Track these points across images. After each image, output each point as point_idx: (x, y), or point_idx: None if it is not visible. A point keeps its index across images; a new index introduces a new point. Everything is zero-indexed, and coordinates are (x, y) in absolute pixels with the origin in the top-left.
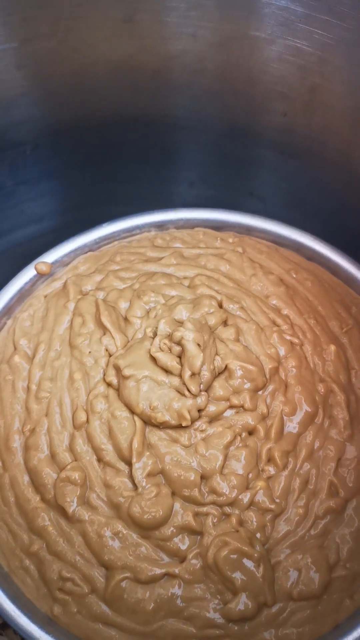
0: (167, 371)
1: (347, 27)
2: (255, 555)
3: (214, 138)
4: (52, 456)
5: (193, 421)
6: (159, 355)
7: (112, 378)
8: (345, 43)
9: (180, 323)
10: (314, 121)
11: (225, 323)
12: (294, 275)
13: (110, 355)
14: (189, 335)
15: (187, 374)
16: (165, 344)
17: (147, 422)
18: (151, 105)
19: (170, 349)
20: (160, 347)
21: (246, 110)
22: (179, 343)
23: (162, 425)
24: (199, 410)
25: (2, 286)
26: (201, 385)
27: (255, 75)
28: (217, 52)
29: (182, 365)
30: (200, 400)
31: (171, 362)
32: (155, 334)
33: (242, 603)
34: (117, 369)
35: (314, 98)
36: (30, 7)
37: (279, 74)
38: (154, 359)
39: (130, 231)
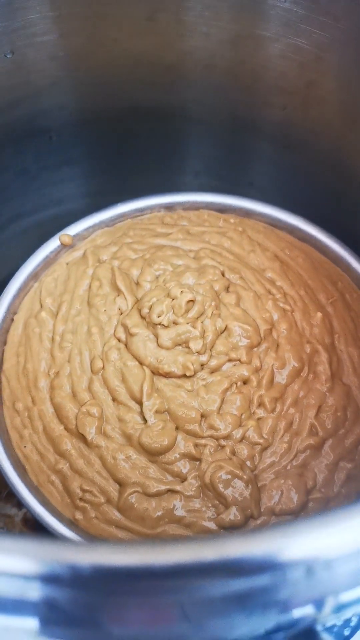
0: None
1: (341, 27)
2: (245, 477)
3: (219, 131)
4: (74, 394)
5: (196, 372)
6: (161, 332)
7: (121, 334)
8: (339, 42)
9: (188, 286)
10: (310, 115)
11: (227, 289)
12: (288, 253)
13: (122, 314)
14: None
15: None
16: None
17: (155, 372)
18: (163, 99)
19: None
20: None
21: (249, 104)
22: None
23: (168, 375)
24: (202, 365)
25: (24, 259)
26: (207, 344)
27: (259, 71)
28: (227, 49)
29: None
30: (204, 358)
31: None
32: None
33: (232, 514)
34: (125, 327)
35: (311, 93)
36: (65, 5)
37: (280, 69)
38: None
39: (142, 210)
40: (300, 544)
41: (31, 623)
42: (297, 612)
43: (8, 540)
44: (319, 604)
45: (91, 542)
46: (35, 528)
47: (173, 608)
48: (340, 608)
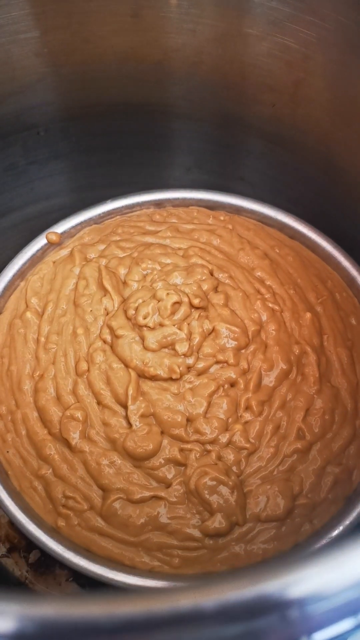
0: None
1: (327, 27)
2: (231, 483)
3: (208, 127)
4: (58, 398)
5: (182, 375)
6: (147, 334)
7: (107, 336)
8: (326, 41)
9: (175, 287)
10: (298, 112)
11: (215, 289)
12: (277, 251)
13: (108, 314)
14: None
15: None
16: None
17: (140, 375)
18: (152, 95)
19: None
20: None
21: (238, 101)
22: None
23: (153, 378)
24: (188, 367)
25: (13, 254)
26: (193, 347)
27: (247, 69)
28: (214, 47)
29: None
30: (190, 360)
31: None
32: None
33: (217, 521)
34: (111, 329)
35: (298, 91)
36: (48, 1)
37: (268, 67)
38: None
39: (131, 207)
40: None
41: None
42: None
43: None
44: None
45: (41, 596)
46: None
47: None
48: None
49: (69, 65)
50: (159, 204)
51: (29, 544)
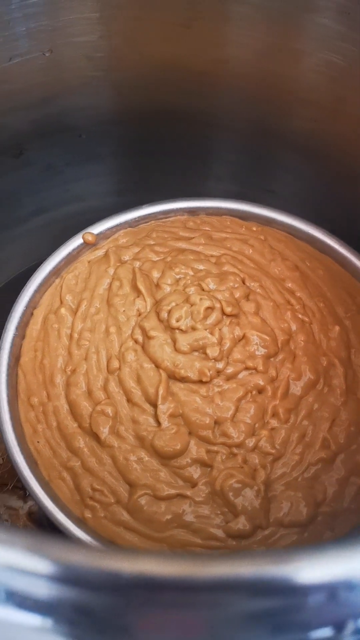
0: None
1: None
2: (255, 486)
3: (245, 138)
4: (89, 393)
5: (212, 379)
6: (179, 337)
7: (139, 336)
8: None
9: (207, 293)
10: (338, 129)
11: (247, 298)
12: (307, 264)
13: (140, 315)
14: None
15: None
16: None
17: (171, 376)
18: (192, 104)
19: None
20: (179, 326)
21: (278, 115)
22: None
23: (183, 380)
24: (218, 372)
25: (43, 253)
26: (224, 352)
27: (290, 83)
28: (260, 60)
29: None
30: (220, 365)
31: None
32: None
33: (240, 523)
34: (143, 330)
35: (340, 107)
36: (107, 7)
37: (312, 82)
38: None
39: (166, 213)
40: (325, 566)
41: (64, 627)
42: (316, 634)
43: (51, 544)
44: (339, 626)
45: (135, 552)
46: (39, 522)
47: (203, 622)
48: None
49: (117, 71)
50: (192, 211)
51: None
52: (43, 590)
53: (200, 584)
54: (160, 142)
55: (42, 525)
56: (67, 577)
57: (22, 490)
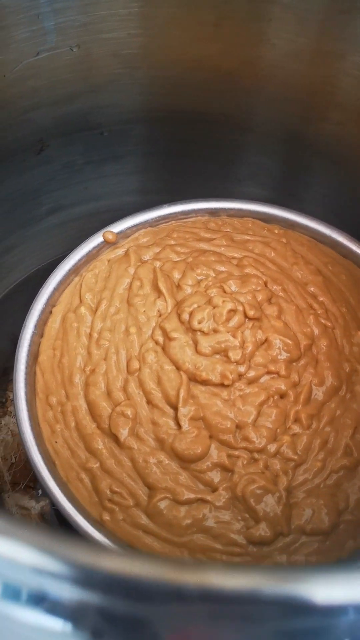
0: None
1: None
2: (277, 493)
3: (269, 140)
4: (108, 393)
5: (233, 382)
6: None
7: (159, 337)
8: None
9: (230, 295)
10: None
11: (269, 301)
12: (330, 268)
13: (160, 316)
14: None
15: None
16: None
17: (192, 378)
18: (217, 105)
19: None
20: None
21: (304, 117)
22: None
23: (205, 382)
24: (239, 375)
25: (59, 251)
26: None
27: (319, 85)
28: (289, 62)
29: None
30: (242, 368)
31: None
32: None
33: (262, 529)
34: (164, 331)
35: None
36: (137, 4)
37: (341, 85)
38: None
39: (186, 214)
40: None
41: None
42: None
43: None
44: None
45: (199, 564)
46: (51, 523)
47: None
48: None
49: (144, 69)
50: (214, 212)
51: None
52: (66, 593)
53: (230, 596)
54: (183, 142)
55: (53, 525)
56: (90, 581)
57: (34, 489)
